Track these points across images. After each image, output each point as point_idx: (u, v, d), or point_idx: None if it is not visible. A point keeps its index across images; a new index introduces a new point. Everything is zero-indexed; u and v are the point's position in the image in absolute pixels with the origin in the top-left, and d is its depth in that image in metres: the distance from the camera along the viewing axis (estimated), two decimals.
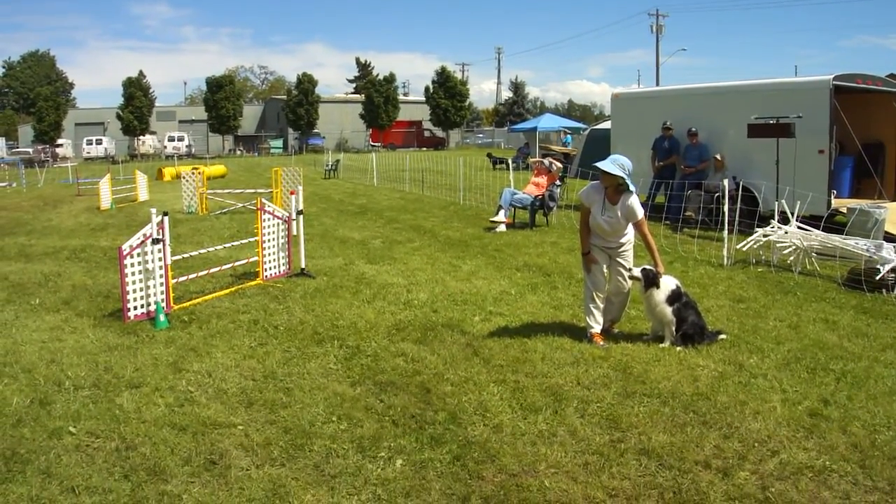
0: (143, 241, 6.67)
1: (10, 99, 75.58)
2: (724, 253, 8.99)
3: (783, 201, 8.96)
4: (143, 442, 4.11)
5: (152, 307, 6.68)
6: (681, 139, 13.06)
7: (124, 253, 6.51)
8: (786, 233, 8.61)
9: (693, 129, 12.65)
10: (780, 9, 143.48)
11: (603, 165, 5.64)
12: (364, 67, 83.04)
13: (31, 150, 51.55)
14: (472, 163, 20.74)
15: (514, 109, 70.98)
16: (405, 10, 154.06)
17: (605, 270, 5.90)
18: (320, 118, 60.92)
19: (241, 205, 15.66)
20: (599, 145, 18.52)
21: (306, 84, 60.13)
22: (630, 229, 5.88)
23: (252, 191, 16.38)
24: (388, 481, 3.65)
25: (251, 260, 8.48)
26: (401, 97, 65.09)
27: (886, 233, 9.38)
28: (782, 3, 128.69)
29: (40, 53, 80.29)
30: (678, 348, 5.61)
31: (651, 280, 5.80)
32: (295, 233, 8.70)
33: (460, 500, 3.50)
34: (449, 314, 6.77)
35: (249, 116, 69.33)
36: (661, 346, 5.69)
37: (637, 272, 5.86)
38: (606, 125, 19.00)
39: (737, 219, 9.09)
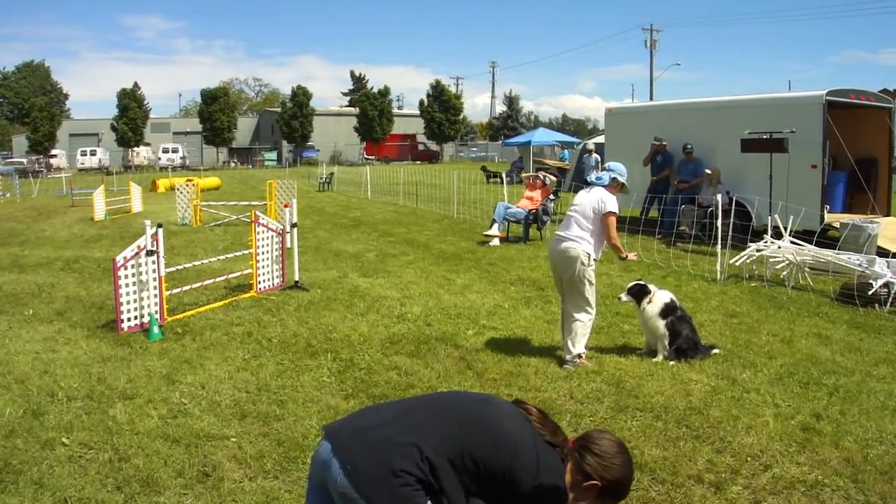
0: (137, 253, 6.66)
1: (5, 109, 75.44)
2: (718, 268, 9.03)
3: (776, 216, 9.02)
4: (135, 454, 4.09)
5: (146, 319, 6.66)
6: (674, 154, 13.15)
7: (118, 264, 6.49)
8: (779, 247, 8.66)
9: (689, 147, 12.72)
10: (773, 24, 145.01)
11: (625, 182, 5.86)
12: (358, 80, 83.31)
13: (25, 160, 51.43)
14: (466, 176, 20.80)
15: (508, 123, 71.21)
16: (399, 24, 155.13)
17: None
18: (314, 131, 61.02)
19: (235, 217, 15.66)
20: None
21: (301, 97, 60.28)
22: None
23: (246, 203, 16.37)
24: None
25: (245, 272, 8.47)
26: (395, 110, 65.24)
27: (879, 248, 9.46)
28: (775, 18, 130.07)
29: (35, 64, 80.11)
30: (671, 362, 5.63)
31: (639, 294, 5.87)
32: (289, 245, 8.71)
33: None
34: (442, 328, 6.77)
35: (244, 128, 69.42)
36: (654, 360, 5.71)
37: (625, 297, 6.01)
38: (600, 139, 19.11)
39: (730, 233, 9.14)
